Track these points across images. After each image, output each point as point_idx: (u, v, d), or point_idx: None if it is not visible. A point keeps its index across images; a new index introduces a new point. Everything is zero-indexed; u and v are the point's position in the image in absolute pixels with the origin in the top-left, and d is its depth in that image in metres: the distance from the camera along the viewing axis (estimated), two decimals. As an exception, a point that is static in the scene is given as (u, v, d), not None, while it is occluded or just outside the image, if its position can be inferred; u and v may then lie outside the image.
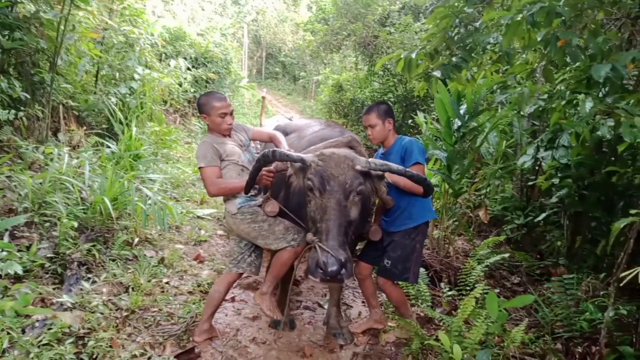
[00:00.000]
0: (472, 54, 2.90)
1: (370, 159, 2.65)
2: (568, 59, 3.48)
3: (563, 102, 4.13)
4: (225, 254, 4.87)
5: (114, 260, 3.69)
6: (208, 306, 3.09)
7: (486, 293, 2.88)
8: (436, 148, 5.48)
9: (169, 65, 8.49)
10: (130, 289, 3.38)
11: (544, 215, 4.93)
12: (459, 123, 5.12)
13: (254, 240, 3.01)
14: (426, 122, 7.98)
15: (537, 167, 5.55)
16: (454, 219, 5.46)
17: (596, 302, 3.42)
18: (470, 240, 5.30)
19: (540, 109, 5.06)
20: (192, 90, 9.98)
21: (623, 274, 2.88)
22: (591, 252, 4.59)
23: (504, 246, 5.58)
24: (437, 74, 3.01)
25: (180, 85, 8.60)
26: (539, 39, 2.42)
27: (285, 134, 4.17)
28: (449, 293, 4.09)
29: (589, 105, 2.00)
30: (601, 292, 3.61)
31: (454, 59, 2.91)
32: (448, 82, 4.76)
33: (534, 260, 5.00)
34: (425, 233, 3.21)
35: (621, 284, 3.03)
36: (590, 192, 4.35)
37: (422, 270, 4.54)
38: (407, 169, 2.64)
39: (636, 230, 4.18)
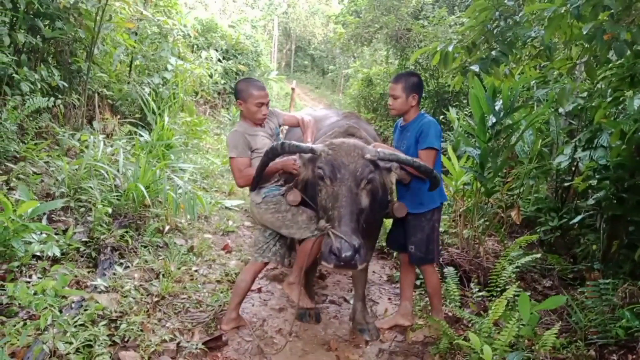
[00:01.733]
0: (512, 48, 2.81)
1: (379, 148, 2.67)
2: (612, 55, 3.34)
3: (607, 100, 3.98)
4: (252, 244, 4.90)
5: (145, 247, 3.76)
6: (235, 295, 3.12)
7: (517, 295, 2.82)
8: (469, 145, 5.36)
9: (200, 57, 8.58)
10: (160, 276, 3.44)
11: (579, 217, 4.77)
12: (494, 120, 4.98)
13: (278, 229, 3.04)
14: (458, 118, 7.84)
15: (573, 168, 5.37)
16: (485, 219, 5.35)
17: (634, 309, 3.29)
18: (501, 241, 5.18)
19: (580, 107, 4.89)
20: (222, 81, 10.07)
21: None
22: (628, 257, 4.42)
23: (536, 248, 5.44)
24: (475, 68, 2.94)
25: (211, 76, 8.68)
26: (584, 32, 2.32)
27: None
28: (479, 294, 4.02)
29: (637, 102, 1.90)
30: (639, 299, 3.48)
31: (493, 52, 2.82)
32: (484, 77, 4.65)
33: (567, 264, 4.85)
34: (440, 214, 3.21)
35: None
36: (630, 195, 4.17)
37: (451, 269, 4.49)
38: (415, 160, 2.70)
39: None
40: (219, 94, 10.33)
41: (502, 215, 5.48)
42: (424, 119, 3.03)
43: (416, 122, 3.04)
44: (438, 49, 3.10)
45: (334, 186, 2.52)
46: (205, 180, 6.21)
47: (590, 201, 4.70)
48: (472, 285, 4.25)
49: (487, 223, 5.32)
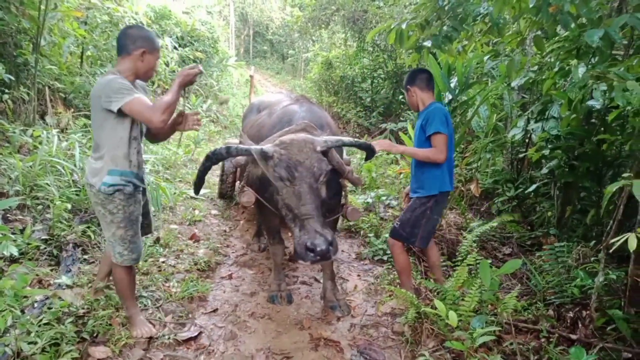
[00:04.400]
0: (463, 24, 2.88)
1: (325, 137, 2.78)
2: (559, 28, 3.48)
3: (555, 71, 4.13)
4: (220, 233, 4.89)
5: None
6: (104, 264, 2.85)
7: (478, 263, 2.95)
8: (428, 122, 5.48)
9: (155, 45, 8.33)
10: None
11: (534, 186, 4.98)
12: (450, 96, 5.11)
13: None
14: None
15: (527, 140, 5.58)
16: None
17: (587, 269, 3.50)
18: (462, 214, 5.36)
19: (531, 80, 5.07)
20: (179, 70, 9.82)
21: (612, 240, 2.96)
22: (581, 221, 4.67)
23: (494, 218, 5.65)
24: (428, 44, 3.00)
25: (167, 65, 8.45)
26: (530, 5, 2.41)
27: (259, 110, 4.18)
28: (444, 264, 4.17)
29: (581, 70, 2.01)
30: (591, 259, 3.70)
31: (444, 28, 2.89)
32: (439, 55, 4.74)
33: (525, 231, 5.08)
34: (441, 204, 3.28)
35: (610, 251, 3.10)
36: (580, 162, 4.40)
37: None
38: (356, 140, 2.98)
39: (625, 197, 4.27)
40: (177, 83, 10.08)
41: (462, 188, 5.66)
42: (430, 107, 3.14)
43: (425, 110, 3.16)
44: (392, 27, 3.14)
45: (295, 185, 2.57)
46: (168, 170, 6.10)
47: (544, 170, 4.92)
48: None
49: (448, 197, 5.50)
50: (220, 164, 5.65)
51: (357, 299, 3.54)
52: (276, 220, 3.33)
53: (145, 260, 3.58)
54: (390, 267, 4.07)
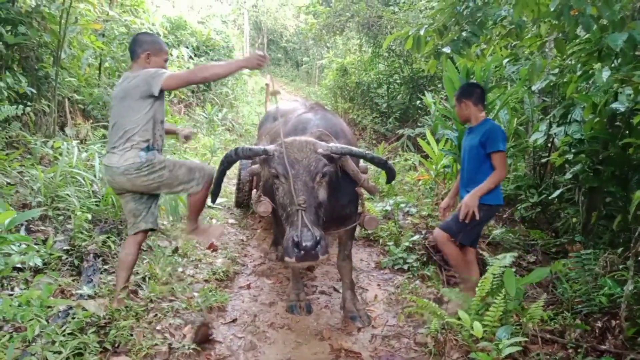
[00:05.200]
0: (482, 28, 2.83)
1: (332, 144, 2.74)
2: (580, 30, 3.40)
3: (578, 74, 4.04)
4: (237, 242, 4.88)
5: (128, 251, 3.69)
6: (121, 270, 2.96)
7: (503, 272, 2.87)
8: (447, 128, 5.42)
9: (171, 55, 8.42)
10: (147, 279, 3.39)
11: (558, 192, 4.87)
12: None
13: (155, 190, 2.96)
14: (435, 103, 7.90)
15: (549, 144, 5.47)
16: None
17: (615, 277, 3.39)
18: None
19: (552, 83, 4.97)
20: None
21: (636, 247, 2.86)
22: (607, 227, 4.54)
23: (517, 225, 5.54)
24: (447, 50, 2.96)
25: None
26: (551, 9, 2.35)
27: (275, 118, 4.17)
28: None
29: (605, 74, 1.94)
30: (619, 267, 3.59)
31: (463, 33, 2.84)
32: (457, 59, 4.68)
33: (549, 238, 4.96)
34: (491, 213, 3.37)
35: (639, 258, 3.00)
36: (605, 167, 4.28)
37: (436, 252, 4.56)
38: (368, 152, 2.90)
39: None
40: (192, 92, 10.18)
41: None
42: (488, 123, 3.24)
43: (482, 126, 3.24)
44: (410, 33, 3.11)
45: (289, 182, 2.55)
46: (186, 180, 6.12)
47: (568, 175, 4.80)
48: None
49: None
50: (237, 172, 5.66)
51: (377, 309, 3.49)
52: None
53: (165, 270, 3.58)
54: (411, 276, 4.00)
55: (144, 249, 3.86)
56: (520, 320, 2.77)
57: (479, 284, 2.84)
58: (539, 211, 5.48)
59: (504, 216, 5.94)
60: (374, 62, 11.82)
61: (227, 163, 2.76)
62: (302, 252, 2.36)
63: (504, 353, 2.17)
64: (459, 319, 2.61)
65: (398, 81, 11.63)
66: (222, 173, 2.90)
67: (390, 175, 2.99)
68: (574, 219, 4.92)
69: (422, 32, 2.99)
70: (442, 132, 5.57)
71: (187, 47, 9.39)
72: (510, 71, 4.01)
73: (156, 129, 2.87)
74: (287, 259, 2.44)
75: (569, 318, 3.16)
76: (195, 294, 3.39)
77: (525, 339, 2.52)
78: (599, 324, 3.05)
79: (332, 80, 12.45)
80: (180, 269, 3.74)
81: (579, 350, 2.73)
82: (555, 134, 5.00)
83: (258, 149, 2.67)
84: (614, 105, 3.98)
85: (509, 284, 2.62)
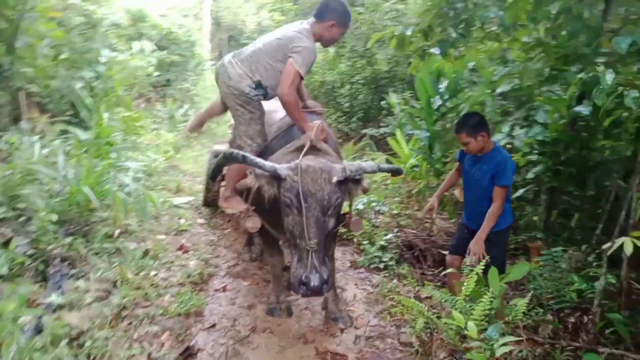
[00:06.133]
0: (469, 30, 2.88)
1: (345, 165, 2.63)
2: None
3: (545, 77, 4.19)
4: (208, 242, 4.73)
5: (97, 254, 3.50)
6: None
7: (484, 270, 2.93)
8: (416, 128, 5.49)
9: (132, 48, 8.07)
10: (118, 284, 3.22)
11: (521, 191, 5.04)
12: (439, 102, 5.13)
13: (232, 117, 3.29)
14: (399, 103, 8.01)
15: (510, 145, 5.66)
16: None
17: (581, 273, 3.54)
18: (449, 219, 5.37)
19: (516, 87, 5.13)
20: (157, 73, 9.56)
21: (606, 245, 3.00)
22: (565, 225, 4.76)
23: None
24: (435, 50, 2.98)
25: (146, 68, 8.21)
26: (552, 11, 2.39)
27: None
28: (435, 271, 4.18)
29: (610, 77, 2.00)
30: (583, 263, 3.76)
31: (453, 34, 2.87)
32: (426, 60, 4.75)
33: (510, 235, 5.12)
34: (507, 233, 3.44)
35: (607, 254, 3.14)
36: (565, 167, 4.47)
37: (408, 250, 4.63)
38: (379, 165, 2.88)
39: (610, 202, 4.35)
40: (153, 86, 9.81)
41: (446, 194, 5.66)
42: (499, 154, 3.19)
43: (492, 156, 3.18)
44: (395, 33, 3.10)
45: (301, 216, 2.46)
46: (150, 178, 5.89)
47: (530, 175, 4.98)
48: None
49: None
50: (206, 170, 5.49)
51: (357, 309, 3.47)
52: (278, 238, 3.27)
53: (137, 274, 3.41)
54: (388, 275, 4.02)
55: (112, 251, 3.67)
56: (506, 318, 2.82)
57: (465, 283, 2.88)
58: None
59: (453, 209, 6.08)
60: (337, 61, 11.83)
61: (230, 161, 2.71)
62: (310, 291, 2.41)
63: (499, 352, 2.21)
64: (438, 317, 2.65)
65: (361, 81, 11.71)
66: (220, 165, 2.85)
67: (399, 174, 3.01)
68: (535, 217, 5.11)
69: (408, 32, 2.99)
70: (412, 132, 5.64)
71: (150, 41, 9.02)
72: (501, 73, 4.08)
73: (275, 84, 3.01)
74: (293, 292, 2.49)
75: (541, 314, 3.27)
76: (171, 299, 3.25)
77: (519, 338, 2.56)
78: (572, 319, 3.18)
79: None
80: (152, 273, 3.57)
81: (556, 346, 2.83)
82: (517, 135, 5.17)
83: (268, 167, 2.53)
84: (578, 109, 4.16)
85: (493, 282, 2.67)
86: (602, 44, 3.60)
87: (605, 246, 2.97)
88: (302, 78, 2.95)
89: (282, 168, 2.54)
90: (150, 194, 4.30)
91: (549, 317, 3.32)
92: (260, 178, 2.57)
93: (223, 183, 5.50)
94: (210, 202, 5.59)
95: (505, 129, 5.34)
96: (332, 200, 2.51)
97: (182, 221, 5.03)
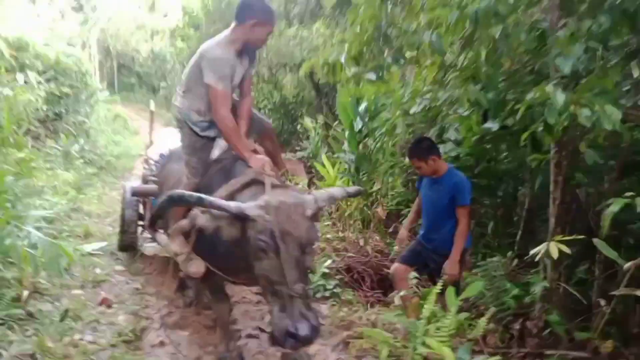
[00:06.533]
0: (402, 54, 2.97)
1: (315, 195, 2.48)
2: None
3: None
4: (132, 292, 4.26)
5: (3, 324, 2.95)
6: None
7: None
8: (340, 151, 5.57)
9: (17, 81, 7.21)
10: (39, 357, 2.73)
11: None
12: (360, 124, 5.27)
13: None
14: (314, 127, 8.11)
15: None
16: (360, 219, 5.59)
17: (509, 279, 3.76)
18: (382, 238, 5.46)
19: (427, 107, 5.44)
20: (45, 108, 8.65)
21: (533, 251, 3.23)
22: (482, 234, 5.10)
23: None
24: (371, 76, 3.02)
25: (35, 102, 7.37)
26: (496, 35, 2.53)
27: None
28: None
29: (560, 97, 2.15)
30: (510, 270, 4.01)
31: (389, 59, 2.94)
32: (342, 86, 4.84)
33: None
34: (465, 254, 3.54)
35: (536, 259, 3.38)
36: (479, 179, 4.79)
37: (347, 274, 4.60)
38: (346, 190, 2.80)
39: (525, 209, 4.72)
40: (41, 122, 8.83)
41: (369, 212, 5.78)
42: (456, 176, 3.36)
43: (448, 177, 3.35)
44: (330, 60, 3.10)
45: (279, 259, 2.20)
46: (52, 225, 5.21)
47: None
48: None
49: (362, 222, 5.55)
50: (121, 211, 5.00)
51: (313, 345, 3.31)
52: (224, 281, 3.01)
53: (59, 340, 2.93)
54: (334, 303, 3.94)
55: (23, 317, 3.12)
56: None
57: (420, 304, 2.89)
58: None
59: (390, 231, 6.26)
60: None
61: (180, 203, 2.44)
62: (300, 342, 2.14)
63: (477, 373, 2.22)
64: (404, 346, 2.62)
65: (269, 107, 11.70)
66: (163, 209, 2.60)
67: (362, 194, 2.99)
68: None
69: (342, 59, 3.00)
70: (337, 155, 5.70)
71: (36, 72, 8.13)
72: (444, 97, 4.27)
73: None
74: (278, 347, 2.22)
75: (482, 323, 3.39)
76: (105, 365, 2.83)
77: (491, 357, 2.60)
78: (517, 325, 3.34)
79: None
80: (77, 337, 3.10)
81: (510, 354, 2.94)
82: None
83: (234, 207, 2.27)
84: (487, 125, 4.51)
85: (451, 301, 2.71)
86: (502, 65, 3.96)
87: (533, 252, 3.19)
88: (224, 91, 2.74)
89: (250, 208, 2.27)
90: (61, 244, 3.76)
91: (492, 325, 3.47)
92: (217, 219, 2.31)
93: (140, 223, 5.11)
94: (128, 245, 5.10)
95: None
96: (310, 236, 2.32)
97: (98, 271, 4.51)
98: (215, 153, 3.15)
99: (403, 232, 3.70)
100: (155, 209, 2.71)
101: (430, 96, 5.38)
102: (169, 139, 5.26)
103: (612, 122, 2.04)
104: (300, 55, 8.92)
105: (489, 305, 3.61)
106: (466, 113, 4.40)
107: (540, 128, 3.19)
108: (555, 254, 3.00)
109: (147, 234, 5.25)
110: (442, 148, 4.98)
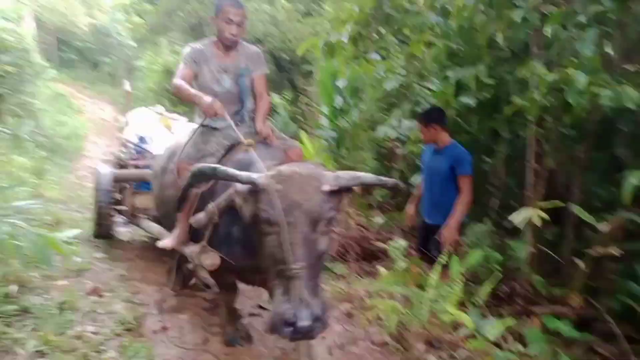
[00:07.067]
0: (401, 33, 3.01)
1: (339, 173, 2.19)
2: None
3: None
4: (119, 278, 4.16)
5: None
6: None
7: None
8: (319, 127, 5.58)
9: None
10: (45, 351, 2.64)
11: (415, 176, 5.48)
12: (341, 100, 5.29)
13: None
14: (283, 104, 8.04)
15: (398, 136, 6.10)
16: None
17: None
18: (363, 214, 5.58)
19: (401, 84, 5.55)
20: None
21: (515, 218, 3.45)
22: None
23: (374, 210, 6.02)
24: (375, 56, 3.05)
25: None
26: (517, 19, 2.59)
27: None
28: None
29: (583, 79, 2.26)
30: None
31: (395, 40, 2.97)
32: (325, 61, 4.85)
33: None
34: None
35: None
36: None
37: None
38: (380, 178, 2.39)
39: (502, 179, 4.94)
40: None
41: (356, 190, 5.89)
42: (457, 148, 3.52)
43: (450, 149, 3.50)
44: (331, 39, 3.09)
45: (286, 233, 1.96)
46: (21, 214, 4.91)
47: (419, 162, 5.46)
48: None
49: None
50: (95, 196, 4.77)
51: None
52: (237, 275, 2.91)
53: (60, 334, 2.85)
54: (327, 276, 4.04)
55: (17, 312, 2.99)
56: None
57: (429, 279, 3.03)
58: (392, 197, 6.08)
59: (365, 202, 6.41)
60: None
61: (196, 179, 2.28)
62: (299, 334, 1.89)
63: (492, 336, 2.39)
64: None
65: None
66: (187, 188, 2.50)
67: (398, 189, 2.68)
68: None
69: (345, 39, 3.00)
70: (317, 132, 5.72)
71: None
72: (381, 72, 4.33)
73: None
74: (276, 334, 1.97)
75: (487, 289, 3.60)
76: (115, 354, 2.79)
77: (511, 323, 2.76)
78: (506, 288, 3.59)
79: (157, 83, 11.50)
80: (78, 328, 3.01)
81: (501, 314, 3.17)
82: (403, 126, 5.60)
83: (244, 177, 2.09)
84: (463, 99, 4.67)
85: (455, 270, 2.88)
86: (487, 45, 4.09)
87: (513, 219, 3.40)
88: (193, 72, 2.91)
89: (260, 176, 2.09)
90: (50, 236, 3.58)
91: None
92: (238, 195, 2.16)
93: (118, 208, 4.90)
94: (105, 233, 4.91)
95: (394, 121, 5.78)
96: (323, 212, 2.02)
97: (79, 259, 4.33)
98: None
99: (410, 207, 3.83)
100: (181, 191, 2.58)
101: (405, 72, 5.52)
102: (144, 120, 5.06)
103: (634, 101, 2.18)
104: (264, 29, 8.71)
105: (477, 272, 3.86)
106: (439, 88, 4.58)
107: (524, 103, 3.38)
108: (537, 221, 3.23)
109: (121, 219, 5.09)
110: (414, 122, 5.16)
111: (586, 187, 3.76)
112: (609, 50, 2.98)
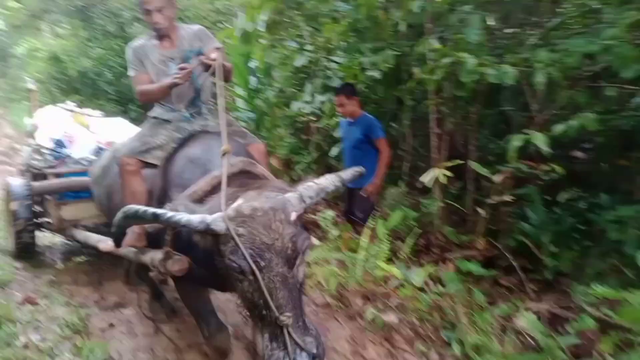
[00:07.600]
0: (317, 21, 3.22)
1: (302, 190, 1.92)
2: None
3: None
4: (50, 285, 4.02)
5: None
6: None
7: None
8: (235, 109, 5.64)
9: None
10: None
11: (335, 149, 5.82)
12: (255, 80, 5.40)
13: None
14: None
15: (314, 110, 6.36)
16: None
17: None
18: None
19: (309, 60, 5.77)
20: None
21: (425, 178, 3.93)
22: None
23: (297, 184, 6.29)
24: (294, 44, 3.23)
25: None
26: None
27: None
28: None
29: (472, 61, 2.63)
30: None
31: (308, 28, 3.16)
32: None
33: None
34: None
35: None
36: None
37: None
38: (342, 176, 2.06)
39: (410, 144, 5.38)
40: None
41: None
42: (368, 117, 4.01)
43: (362, 120, 3.99)
44: (247, 28, 3.21)
45: (260, 280, 1.72)
46: None
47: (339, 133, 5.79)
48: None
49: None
50: (10, 210, 4.23)
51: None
52: (207, 293, 2.70)
53: (9, 346, 2.80)
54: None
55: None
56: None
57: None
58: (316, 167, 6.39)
59: (288, 177, 6.65)
60: (89, 47, 10.53)
61: (132, 220, 2.04)
62: None
63: (418, 282, 2.81)
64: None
65: (121, 63, 10.77)
66: (120, 227, 2.11)
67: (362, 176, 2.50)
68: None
69: (261, 28, 3.14)
70: (235, 114, 5.78)
71: None
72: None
73: None
74: None
75: (410, 243, 4.01)
76: (72, 356, 2.81)
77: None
78: (422, 241, 4.08)
79: (44, 71, 10.54)
80: (22, 340, 2.96)
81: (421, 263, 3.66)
82: (320, 101, 5.89)
83: (197, 223, 1.79)
84: (369, 73, 5.01)
85: (381, 231, 3.26)
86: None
87: (423, 178, 3.87)
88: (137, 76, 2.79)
89: (217, 221, 1.79)
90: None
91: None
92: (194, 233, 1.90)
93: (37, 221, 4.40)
94: (26, 250, 4.36)
95: (307, 97, 6.03)
96: (297, 246, 1.81)
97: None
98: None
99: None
100: (114, 228, 2.12)
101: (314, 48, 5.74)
102: (56, 120, 4.58)
103: (511, 78, 2.64)
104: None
105: (399, 230, 4.31)
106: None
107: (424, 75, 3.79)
108: (443, 179, 3.73)
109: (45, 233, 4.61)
110: (327, 96, 5.44)
111: (481, 144, 4.35)
112: (490, 22, 3.54)
